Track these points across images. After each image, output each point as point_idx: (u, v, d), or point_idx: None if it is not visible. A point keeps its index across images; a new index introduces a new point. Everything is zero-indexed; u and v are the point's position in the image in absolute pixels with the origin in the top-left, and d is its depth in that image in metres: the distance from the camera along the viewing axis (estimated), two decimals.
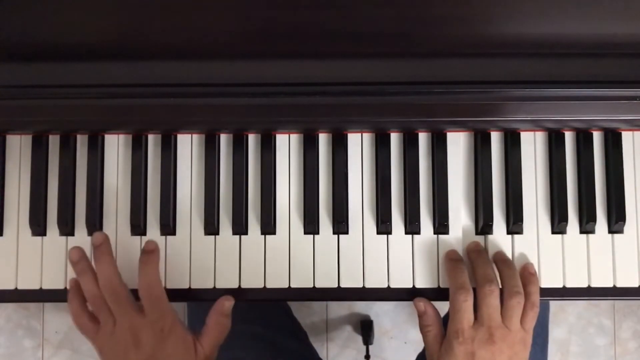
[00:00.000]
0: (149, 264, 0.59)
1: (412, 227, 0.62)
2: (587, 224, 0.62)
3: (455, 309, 0.57)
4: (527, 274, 0.60)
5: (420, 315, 0.61)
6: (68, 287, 0.61)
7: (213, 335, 0.59)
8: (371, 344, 1.25)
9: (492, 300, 0.56)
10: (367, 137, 0.63)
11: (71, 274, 0.62)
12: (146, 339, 0.56)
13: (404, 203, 0.62)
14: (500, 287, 0.58)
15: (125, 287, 0.58)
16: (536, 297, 0.59)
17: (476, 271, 0.59)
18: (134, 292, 0.59)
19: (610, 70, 0.56)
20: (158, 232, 0.62)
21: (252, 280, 0.62)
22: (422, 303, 0.61)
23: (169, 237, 0.62)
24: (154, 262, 0.59)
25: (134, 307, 0.57)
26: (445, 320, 0.60)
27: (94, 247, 0.60)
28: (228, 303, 0.60)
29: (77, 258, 0.59)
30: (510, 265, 0.60)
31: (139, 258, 0.60)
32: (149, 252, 0.60)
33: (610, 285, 0.62)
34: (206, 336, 0.59)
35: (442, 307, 0.61)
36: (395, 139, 0.63)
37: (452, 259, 0.60)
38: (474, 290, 0.58)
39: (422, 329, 0.61)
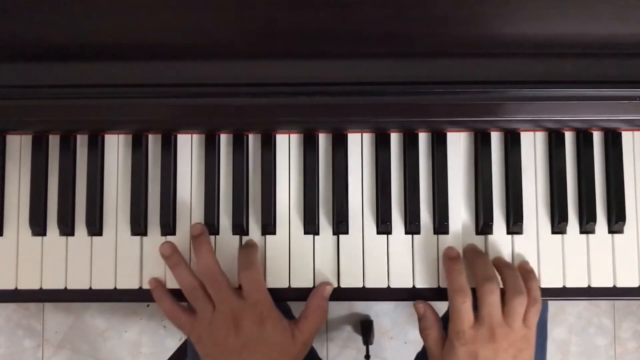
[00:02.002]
0: (250, 251, 0.60)
1: (412, 227, 0.62)
2: (587, 224, 0.62)
3: (454, 310, 0.57)
4: (524, 271, 0.60)
5: (420, 318, 0.61)
6: (150, 287, 0.61)
7: (312, 319, 0.60)
8: (371, 344, 1.25)
9: (493, 299, 0.56)
10: (367, 137, 0.63)
11: (71, 274, 0.62)
12: (246, 323, 0.56)
13: (404, 203, 0.62)
14: (502, 287, 0.58)
15: (224, 274, 0.59)
16: (537, 293, 0.58)
17: (476, 271, 0.58)
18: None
19: (610, 70, 0.56)
20: (158, 232, 0.62)
21: None
22: (421, 305, 0.61)
23: (169, 237, 0.62)
24: (255, 251, 0.60)
25: (233, 292, 0.58)
26: (444, 321, 0.60)
27: (193, 237, 0.61)
28: (329, 287, 0.61)
29: (170, 251, 0.60)
30: (512, 267, 0.60)
31: (238, 250, 0.61)
32: (249, 244, 0.61)
33: (610, 285, 0.62)
34: (304, 321, 0.60)
35: (442, 306, 0.61)
36: (395, 139, 0.63)
37: (450, 258, 0.60)
38: (473, 290, 0.58)
39: (422, 331, 0.61)
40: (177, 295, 0.61)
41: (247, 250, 0.61)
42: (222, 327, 0.57)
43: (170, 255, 0.60)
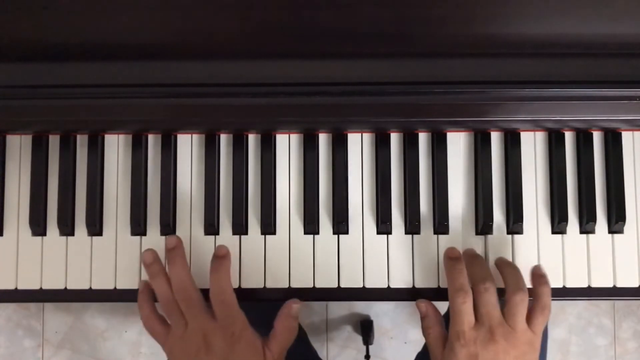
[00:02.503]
0: (221, 269, 0.59)
1: (412, 227, 0.62)
2: (587, 224, 0.62)
3: (454, 311, 0.56)
4: (537, 276, 0.59)
5: (422, 317, 0.60)
6: (139, 289, 0.60)
7: (281, 338, 0.59)
8: (371, 344, 1.25)
9: (489, 298, 0.56)
10: (367, 137, 0.63)
11: (71, 274, 0.62)
12: (217, 343, 0.56)
13: (404, 203, 0.62)
14: (504, 287, 0.58)
15: (197, 291, 0.58)
16: (547, 299, 0.57)
17: (471, 271, 0.58)
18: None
19: (610, 70, 0.56)
20: (158, 232, 0.62)
21: (252, 280, 0.62)
22: (423, 304, 0.60)
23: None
24: (226, 267, 0.59)
25: (205, 310, 0.57)
26: (445, 320, 0.60)
27: (167, 249, 0.60)
28: (296, 306, 0.60)
29: (151, 260, 0.59)
30: (512, 265, 0.60)
31: (210, 262, 0.59)
32: (221, 257, 0.60)
33: (610, 285, 0.62)
34: (274, 340, 0.59)
35: (442, 306, 0.61)
36: (395, 139, 0.63)
37: (451, 258, 0.60)
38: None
39: (424, 330, 0.60)
40: None
41: (218, 264, 0.59)
42: (193, 344, 0.56)
43: (151, 264, 0.59)
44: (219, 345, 0.56)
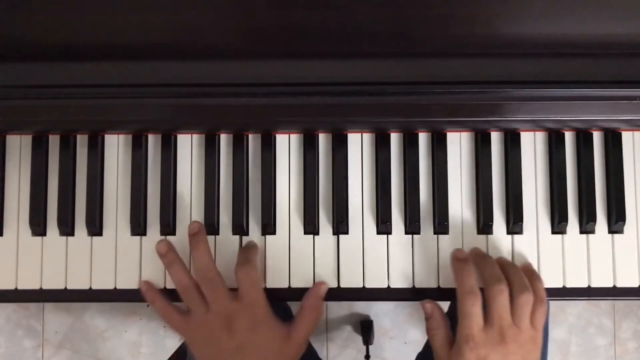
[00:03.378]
0: (250, 250, 0.60)
1: (412, 227, 0.62)
2: (587, 224, 0.62)
3: (463, 313, 0.55)
4: (529, 272, 0.60)
5: (427, 318, 0.60)
6: (143, 289, 0.61)
7: (307, 319, 0.59)
8: (371, 344, 1.25)
9: (503, 300, 0.55)
10: (367, 137, 0.63)
11: (71, 274, 0.62)
12: (240, 324, 0.56)
13: (404, 203, 0.62)
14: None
15: (219, 274, 0.59)
16: (543, 293, 0.58)
17: (483, 272, 0.58)
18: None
19: (610, 70, 0.56)
20: (158, 232, 0.62)
21: None
22: (429, 305, 0.60)
23: (170, 237, 0.62)
24: (254, 251, 0.60)
25: (227, 292, 0.58)
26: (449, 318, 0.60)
27: (190, 235, 0.60)
28: (325, 286, 0.60)
29: (166, 250, 0.60)
30: (515, 266, 0.60)
31: (237, 254, 0.61)
32: (250, 244, 0.61)
33: (610, 285, 0.62)
34: (300, 322, 0.59)
35: (442, 306, 0.61)
36: (395, 139, 0.63)
37: (459, 260, 0.59)
38: (481, 290, 0.57)
39: (429, 331, 0.59)
40: (173, 296, 0.60)
41: (247, 249, 0.61)
42: (216, 328, 0.56)
43: (166, 254, 0.60)
44: (242, 327, 0.56)
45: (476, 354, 0.54)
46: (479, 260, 0.60)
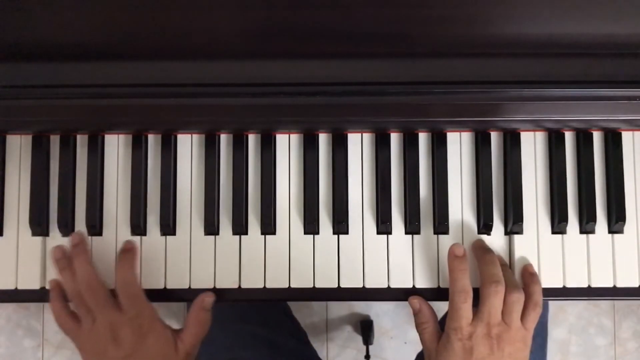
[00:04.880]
0: (126, 262, 0.60)
1: (412, 227, 0.62)
2: (587, 224, 0.62)
3: (454, 308, 0.57)
4: (528, 274, 0.60)
5: (416, 313, 0.61)
6: (50, 287, 0.61)
7: (194, 330, 0.60)
8: (371, 344, 1.25)
9: (496, 301, 0.56)
10: (367, 137, 0.63)
11: None
12: (125, 335, 0.56)
13: (404, 203, 0.62)
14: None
15: (102, 285, 0.59)
16: (539, 297, 0.59)
17: (483, 269, 0.58)
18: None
19: (610, 70, 0.56)
20: (158, 232, 0.62)
21: (252, 280, 0.62)
22: (416, 301, 0.61)
23: (169, 237, 0.62)
24: (131, 260, 0.60)
25: (112, 304, 0.58)
26: (443, 322, 0.60)
27: (71, 245, 0.60)
28: (208, 299, 0.61)
29: (59, 255, 0.60)
30: (505, 265, 0.61)
31: (117, 257, 0.61)
32: (126, 251, 0.61)
33: (610, 285, 0.62)
34: (187, 331, 0.60)
35: (443, 306, 0.61)
36: (395, 139, 0.63)
37: (456, 257, 0.59)
38: (476, 288, 0.58)
39: (418, 326, 0.61)
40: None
41: (122, 262, 0.60)
42: (102, 338, 0.57)
43: (59, 260, 0.60)
44: (127, 338, 0.56)
45: (463, 344, 0.56)
46: (482, 254, 0.60)
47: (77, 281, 0.58)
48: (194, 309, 0.60)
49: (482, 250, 0.60)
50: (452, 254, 0.60)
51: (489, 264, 0.58)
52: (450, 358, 0.56)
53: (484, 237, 0.62)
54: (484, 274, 0.58)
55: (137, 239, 0.62)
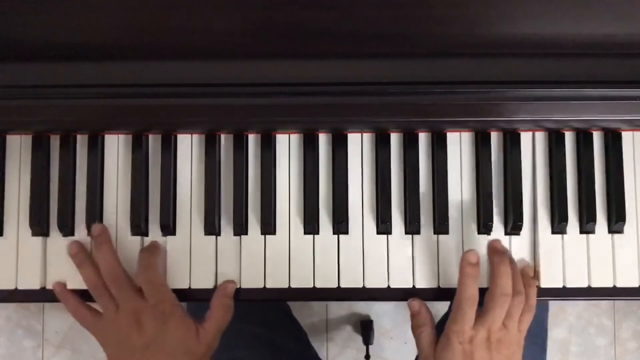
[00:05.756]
0: (149, 251, 0.60)
1: (412, 227, 0.62)
2: (587, 224, 0.62)
3: (460, 312, 0.57)
4: (526, 277, 0.60)
5: (414, 316, 0.61)
6: (56, 290, 0.61)
7: (216, 318, 0.60)
8: (371, 344, 1.25)
9: (502, 312, 0.57)
10: (367, 137, 0.63)
11: (71, 274, 0.62)
12: (148, 322, 0.56)
13: (404, 203, 0.62)
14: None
15: (126, 273, 0.59)
16: (534, 301, 0.59)
17: (496, 279, 0.58)
18: None
19: (610, 70, 0.56)
20: (158, 232, 0.62)
21: (252, 280, 0.62)
22: (416, 303, 0.61)
23: (169, 237, 0.62)
24: (154, 249, 0.60)
25: (135, 292, 0.58)
26: (440, 326, 0.60)
27: (93, 237, 0.61)
28: (232, 285, 0.61)
29: (76, 250, 0.61)
30: (515, 266, 0.60)
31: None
32: (150, 246, 0.61)
33: (610, 285, 0.62)
34: (209, 319, 0.60)
35: (443, 307, 0.61)
36: (395, 139, 0.63)
37: (470, 264, 0.58)
38: (481, 288, 0.58)
39: (415, 329, 0.61)
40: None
41: (146, 252, 0.60)
42: (125, 326, 0.57)
43: (76, 254, 0.60)
44: (150, 325, 0.56)
45: (463, 347, 0.56)
46: (497, 263, 0.58)
47: (102, 271, 0.59)
48: (216, 297, 0.60)
49: (497, 258, 0.59)
50: (465, 261, 0.58)
51: (503, 275, 0.58)
52: None
53: (484, 237, 0.62)
54: (495, 284, 0.57)
55: (137, 239, 0.62)
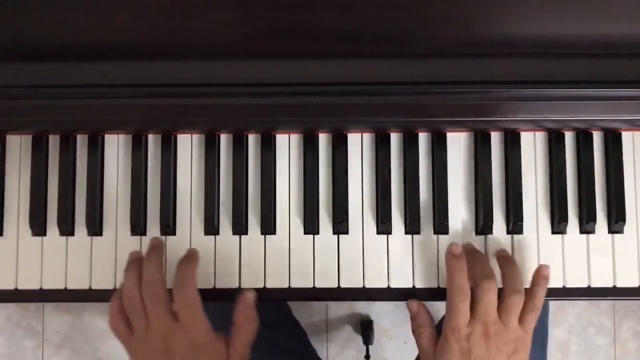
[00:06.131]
0: (187, 268, 0.58)
1: (412, 227, 0.62)
2: (587, 224, 0.62)
3: (452, 307, 0.57)
4: (540, 277, 0.59)
5: (413, 317, 0.61)
6: (118, 287, 0.60)
7: (244, 332, 0.58)
8: (371, 344, 1.25)
9: (490, 297, 0.56)
10: (367, 137, 0.63)
11: (71, 274, 0.62)
12: (177, 346, 0.55)
13: (404, 203, 0.62)
14: (501, 284, 0.58)
15: (166, 291, 0.57)
16: (540, 301, 0.58)
17: (474, 268, 0.58)
18: None
19: (610, 70, 0.56)
20: (158, 232, 0.62)
21: (252, 280, 0.62)
22: (414, 304, 0.61)
23: (169, 238, 0.62)
24: (192, 266, 0.58)
25: (169, 311, 0.56)
26: (438, 325, 0.60)
27: (150, 247, 0.59)
28: (249, 293, 0.59)
29: (134, 257, 0.59)
30: (512, 263, 0.60)
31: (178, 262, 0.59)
32: (189, 257, 0.59)
33: (610, 285, 0.62)
34: (237, 336, 0.58)
35: (441, 307, 0.61)
36: (395, 139, 0.63)
37: (454, 256, 0.59)
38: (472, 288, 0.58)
39: (415, 330, 0.61)
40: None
41: (185, 265, 0.58)
42: (154, 347, 0.55)
43: (132, 260, 0.59)
44: (179, 349, 0.55)
45: (461, 345, 0.56)
46: (470, 255, 0.60)
47: (143, 280, 0.57)
48: (239, 309, 0.59)
49: (470, 252, 0.60)
50: (449, 253, 0.60)
51: (479, 264, 0.58)
52: None
53: (484, 237, 0.62)
54: (475, 273, 0.58)
55: (137, 239, 0.62)
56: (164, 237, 0.62)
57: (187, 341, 0.55)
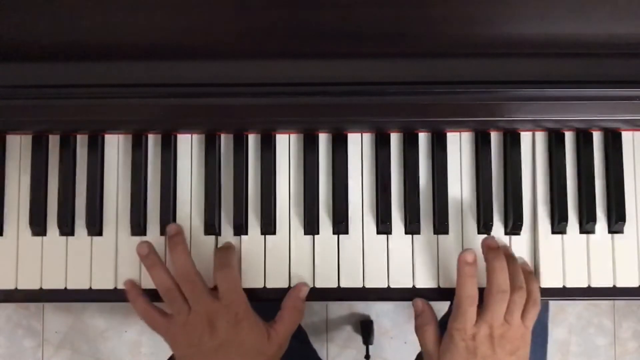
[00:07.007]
0: (227, 252, 0.60)
1: (412, 227, 0.62)
2: (587, 224, 0.62)
3: (460, 311, 0.57)
4: (526, 273, 0.60)
5: (418, 315, 0.61)
6: (125, 288, 0.61)
7: (288, 320, 0.60)
8: (371, 344, 1.25)
9: (502, 308, 0.56)
10: (367, 137, 0.63)
11: (71, 274, 0.62)
12: (221, 324, 0.56)
13: (404, 203, 0.62)
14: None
15: (200, 275, 0.59)
16: (537, 295, 0.59)
17: (491, 276, 0.57)
18: None
19: (610, 70, 0.56)
20: (158, 232, 0.62)
21: (252, 280, 0.62)
22: (420, 302, 0.61)
23: None
24: (231, 252, 0.60)
25: (208, 292, 0.58)
26: (442, 325, 0.60)
27: (168, 237, 0.60)
28: (305, 287, 0.61)
29: (147, 251, 0.60)
30: (514, 261, 0.60)
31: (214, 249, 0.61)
32: (227, 245, 0.61)
33: (610, 285, 0.62)
34: (280, 321, 0.60)
35: (442, 307, 0.61)
36: (395, 139, 0.63)
37: (467, 263, 0.58)
38: (481, 288, 0.58)
39: (419, 328, 0.61)
40: (153, 296, 0.60)
41: (224, 250, 0.60)
42: (197, 328, 0.57)
43: (147, 255, 0.60)
44: (223, 327, 0.56)
45: (466, 344, 0.56)
46: (492, 259, 0.58)
47: (176, 272, 0.58)
48: (289, 298, 0.60)
49: (492, 254, 0.58)
50: (462, 260, 0.58)
51: (498, 271, 0.57)
52: (454, 358, 0.56)
53: (484, 236, 0.62)
54: (492, 281, 0.57)
55: (137, 239, 0.62)
56: (163, 237, 0.62)
57: (230, 317, 0.56)
